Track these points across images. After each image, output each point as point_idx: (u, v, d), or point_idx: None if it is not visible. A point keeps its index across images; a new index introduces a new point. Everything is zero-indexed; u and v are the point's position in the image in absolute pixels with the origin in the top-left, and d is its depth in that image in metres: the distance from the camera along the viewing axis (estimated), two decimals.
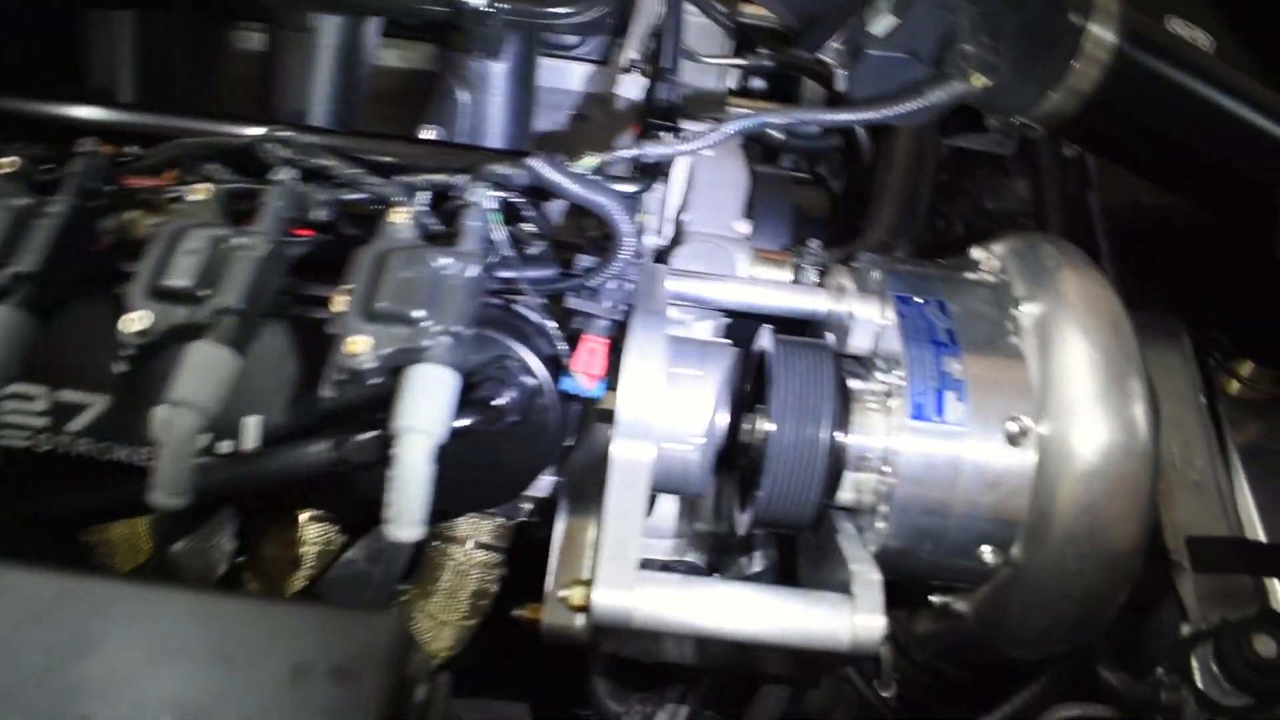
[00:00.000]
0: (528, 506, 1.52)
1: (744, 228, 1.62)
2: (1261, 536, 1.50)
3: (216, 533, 1.55)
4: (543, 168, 1.12)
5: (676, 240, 1.61)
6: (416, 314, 1.08)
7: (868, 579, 1.14)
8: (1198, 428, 1.52)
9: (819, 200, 1.76)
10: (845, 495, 1.23)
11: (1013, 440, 1.15)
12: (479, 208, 1.15)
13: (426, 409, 1.05)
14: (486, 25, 1.20)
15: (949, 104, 1.13)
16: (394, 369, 1.08)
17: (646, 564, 1.50)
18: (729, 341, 1.33)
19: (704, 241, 1.56)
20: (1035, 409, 1.17)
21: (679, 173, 1.70)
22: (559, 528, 1.35)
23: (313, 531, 1.52)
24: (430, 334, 1.07)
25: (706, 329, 1.53)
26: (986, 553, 1.18)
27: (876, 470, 1.20)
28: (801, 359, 1.25)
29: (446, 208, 1.20)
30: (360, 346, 1.06)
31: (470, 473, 1.25)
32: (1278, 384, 1.67)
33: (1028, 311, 1.23)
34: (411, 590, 1.53)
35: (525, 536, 1.53)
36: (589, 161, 1.17)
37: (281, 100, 1.41)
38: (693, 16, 1.82)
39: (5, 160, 1.16)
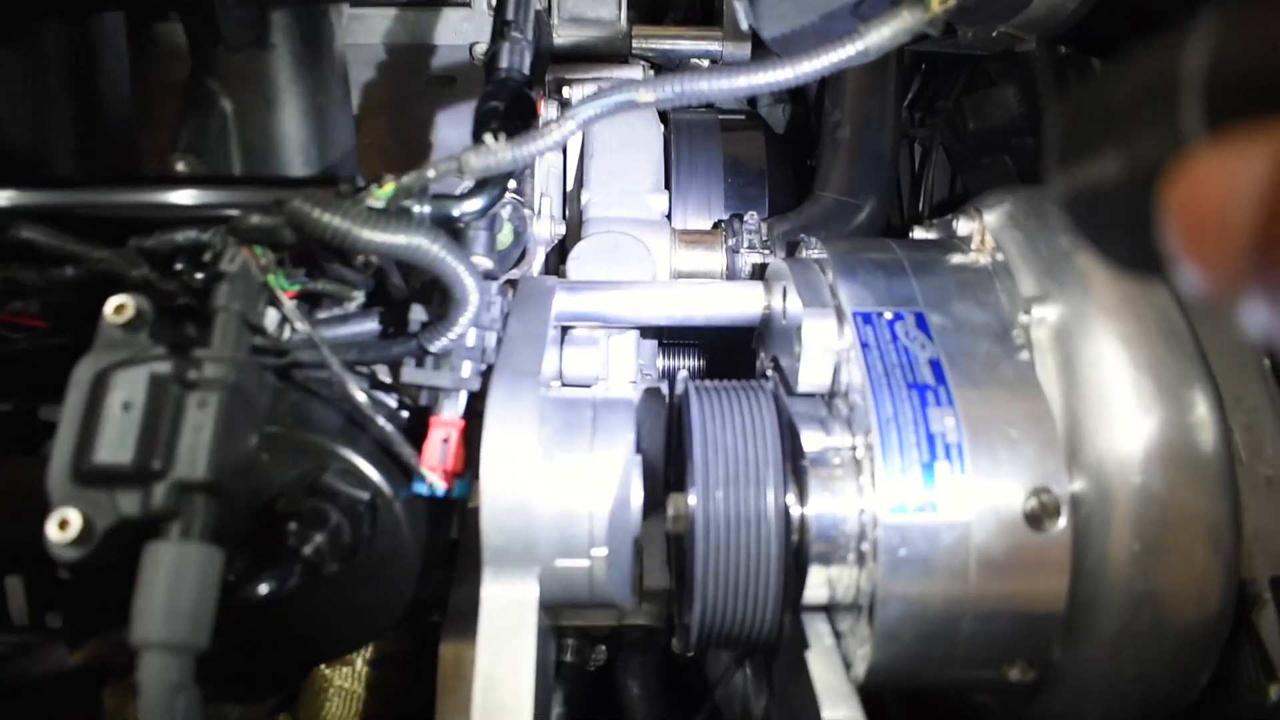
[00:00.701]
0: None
1: (659, 203, 1.26)
2: None
3: None
4: (310, 213, 0.76)
5: (576, 229, 1.25)
6: (149, 466, 0.73)
7: None
8: (1265, 404, 1.13)
9: (756, 146, 1.38)
10: (815, 591, 0.90)
11: (1035, 521, 0.80)
12: (238, 280, 0.80)
13: (172, 612, 0.71)
14: (219, 9, 0.82)
15: (898, 43, 0.76)
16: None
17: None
18: (629, 398, 0.97)
19: (607, 232, 1.20)
20: (1064, 463, 0.82)
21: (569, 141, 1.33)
22: (444, 657, 1.02)
23: None
24: (171, 495, 0.73)
25: (626, 346, 1.18)
26: (1014, 671, 0.85)
27: (852, 560, 0.86)
28: (730, 415, 0.90)
29: (209, 277, 0.83)
30: (69, 530, 0.72)
31: (304, 630, 0.92)
32: None
33: (1042, 316, 0.88)
34: None
35: (431, 640, 1.20)
36: (386, 189, 0.81)
37: (6, 138, 1.03)
38: None
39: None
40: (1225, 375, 1.03)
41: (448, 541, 1.06)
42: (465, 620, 0.93)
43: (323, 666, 1.19)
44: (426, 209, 0.86)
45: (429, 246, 0.80)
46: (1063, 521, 0.81)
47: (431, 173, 0.80)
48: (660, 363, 1.27)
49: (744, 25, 1.01)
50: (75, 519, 0.72)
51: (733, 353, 1.22)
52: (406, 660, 1.22)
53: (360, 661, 1.19)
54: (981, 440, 0.82)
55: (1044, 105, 1.36)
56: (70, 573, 0.76)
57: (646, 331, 1.20)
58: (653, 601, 1.23)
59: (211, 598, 0.73)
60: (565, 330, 1.15)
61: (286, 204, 0.78)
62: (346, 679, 1.18)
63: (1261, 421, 1.14)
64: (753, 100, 1.53)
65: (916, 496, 0.80)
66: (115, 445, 0.74)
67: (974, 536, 0.80)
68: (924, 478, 0.81)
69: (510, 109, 0.94)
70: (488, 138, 0.81)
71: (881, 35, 0.74)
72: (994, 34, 1.05)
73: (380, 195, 0.81)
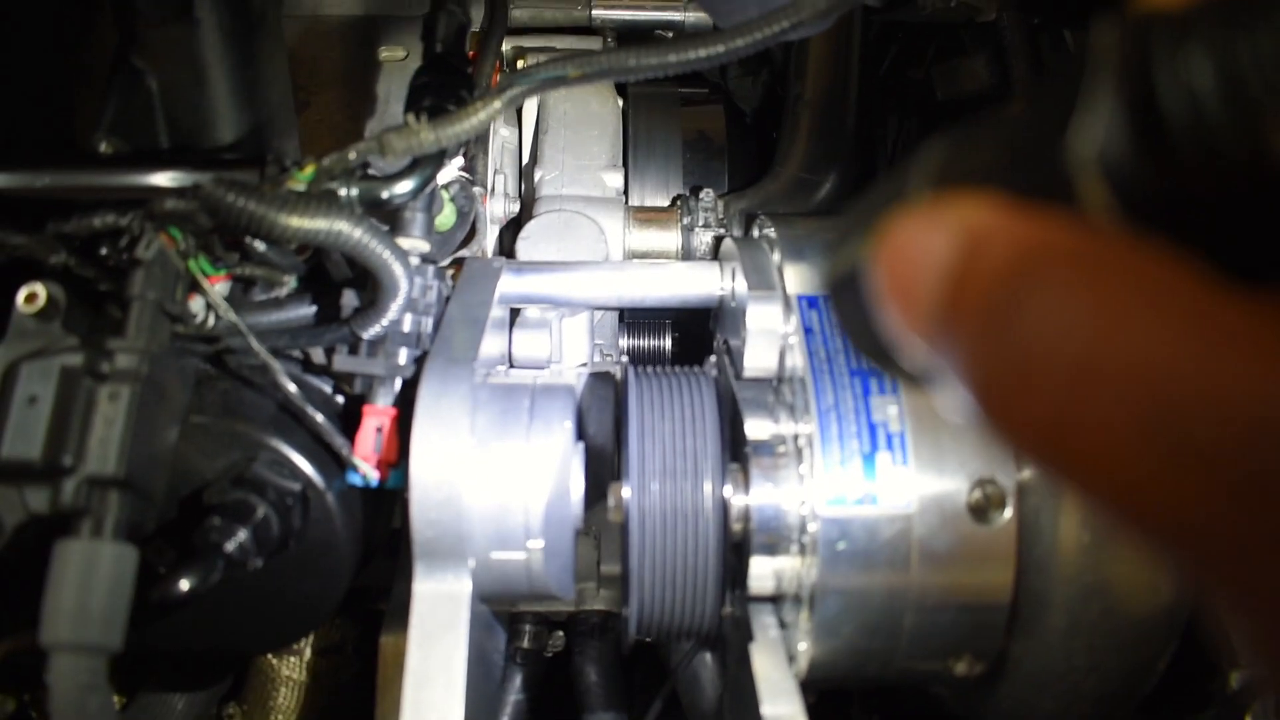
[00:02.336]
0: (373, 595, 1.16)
1: (615, 180, 1.23)
2: None
3: None
4: (225, 198, 0.73)
5: (529, 207, 1.22)
6: (58, 462, 0.71)
7: None
8: None
9: (718, 120, 1.35)
10: (760, 582, 0.87)
11: (979, 513, 0.78)
12: (155, 266, 0.77)
13: (81, 613, 0.68)
14: None
15: (836, 12, 0.73)
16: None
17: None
18: (569, 384, 0.94)
19: (559, 210, 1.17)
20: (1010, 452, 0.80)
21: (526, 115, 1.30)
22: (384, 650, 0.99)
23: None
24: (80, 491, 0.70)
25: (578, 328, 1.15)
26: (959, 664, 0.83)
27: (795, 551, 0.83)
28: (669, 402, 0.88)
29: (128, 263, 0.80)
30: None
31: (237, 620, 0.90)
32: None
33: None
34: (238, 713, 1.19)
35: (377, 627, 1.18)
36: (305, 172, 0.78)
37: None
38: None
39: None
40: None
41: (390, 529, 1.04)
42: (406, 612, 0.90)
43: (270, 656, 1.17)
44: (354, 191, 0.83)
45: (350, 231, 0.77)
46: (1008, 513, 0.78)
47: (352, 154, 0.77)
48: (624, 342, 1.24)
49: None
50: None
51: (700, 331, 1.19)
52: (354, 649, 1.20)
53: (308, 651, 1.17)
54: (925, 430, 0.79)
55: (1015, 75, 1.33)
56: None
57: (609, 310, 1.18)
58: (611, 587, 1.21)
59: (124, 597, 0.71)
60: (516, 312, 1.13)
61: (201, 188, 0.75)
62: (294, 669, 1.16)
63: None
64: (723, 72, 1.49)
65: (856, 488, 0.78)
66: (22, 440, 0.71)
67: (916, 529, 0.78)
68: (864, 469, 0.78)
69: (442, 85, 0.90)
70: (410, 117, 0.77)
71: (817, 6, 0.71)
72: (952, 3, 1.01)
73: (301, 178, 0.78)
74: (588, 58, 0.77)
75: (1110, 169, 0.23)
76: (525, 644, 1.25)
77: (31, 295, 0.76)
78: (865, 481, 0.78)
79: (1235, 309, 0.20)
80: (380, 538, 1.02)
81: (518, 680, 1.25)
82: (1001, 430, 0.23)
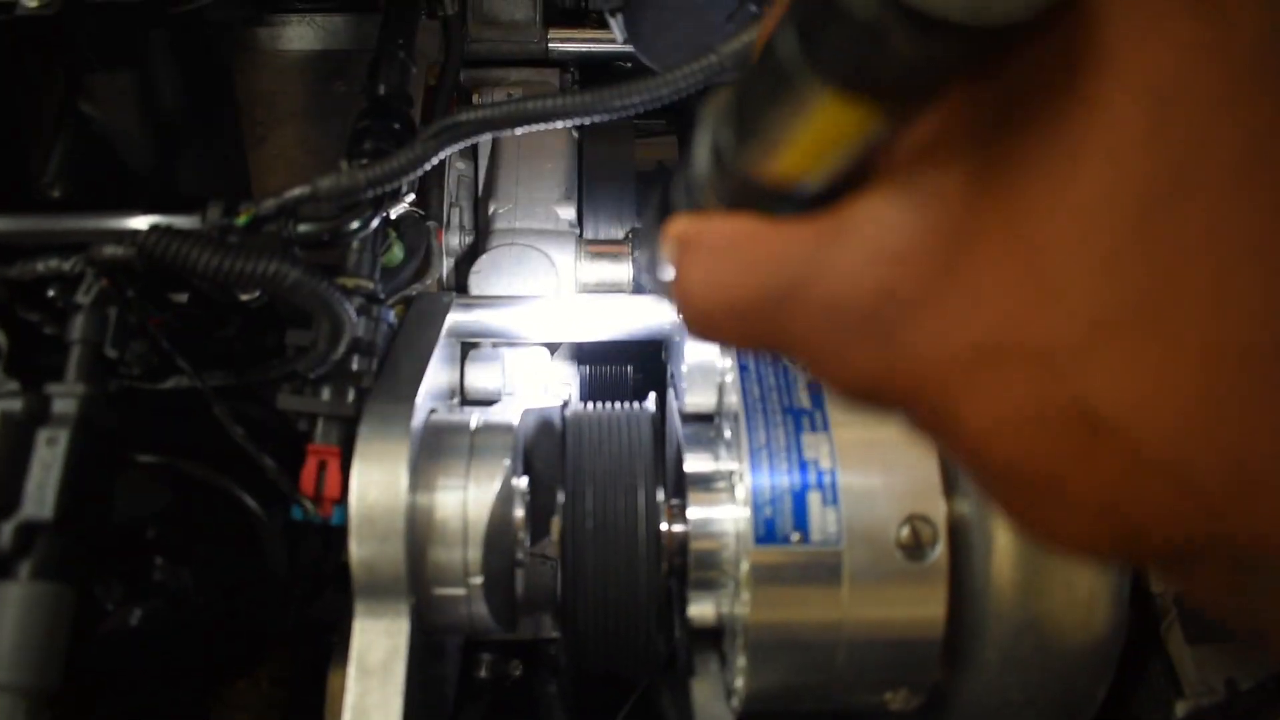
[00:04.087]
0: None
1: (567, 213, 1.24)
2: None
3: None
4: (161, 244, 0.74)
5: (483, 242, 1.23)
6: None
7: None
8: None
9: (673, 152, 1.36)
10: (701, 615, 0.88)
11: (911, 551, 0.79)
12: (93, 311, 0.78)
13: (18, 654, 0.69)
14: (76, 31, 0.80)
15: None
16: None
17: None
18: (510, 422, 0.95)
19: (511, 244, 1.18)
20: (941, 489, 0.81)
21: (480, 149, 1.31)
22: (332, 687, 1.00)
23: None
24: (18, 535, 0.71)
25: (532, 361, 1.16)
26: (895, 699, 0.84)
27: (731, 587, 0.84)
28: (606, 439, 0.89)
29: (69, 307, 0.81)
30: None
31: (181, 655, 0.91)
32: None
33: None
34: None
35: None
36: (242, 218, 0.79)
37: None
38: None
39: None
40: None
41: (339, 565, 1.05)
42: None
43: (229, 687, 1.18)
44: (296, 232, 0.84)
45: (285, 273, 0.78)
46: (939, 549, 0.80)
47: (288, 197, 0.78)
48: (584, 373, 1.25)
49: (619, 39, 0.99)
50: None
51: (658, 366, 1.20)
52: (309, 680, 1.20)
53: (265, 682, 1.17)
54: (856, 467, 0.81)
55: None
56: None
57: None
58: None
59: (62, 636, 0.72)
60: (469, 347, 1.14)
61: (139, 235, 0.76)
62: (251, 699, 1.17)
63: None
64: (683, 104, 1.51)
65: (786, 526, 0.79)
66: None
67: (846, 566, 0.79)
68: (794, 507, 0.79)
69: (383, 130, 0.92)
70: (342, 163, 0.79)
71: (736, 48, 0.72)
72: None
73: (239, 222, 0.79)
74: (517, 104, 0.78)
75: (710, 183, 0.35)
76: (483, 673, 1.25)
77: None
78: (795, 519, 0.79)
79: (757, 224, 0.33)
80: (330, 570, 1.02)
81: (476, 712, 1.26)
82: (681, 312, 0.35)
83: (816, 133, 0.29)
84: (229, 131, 1.03)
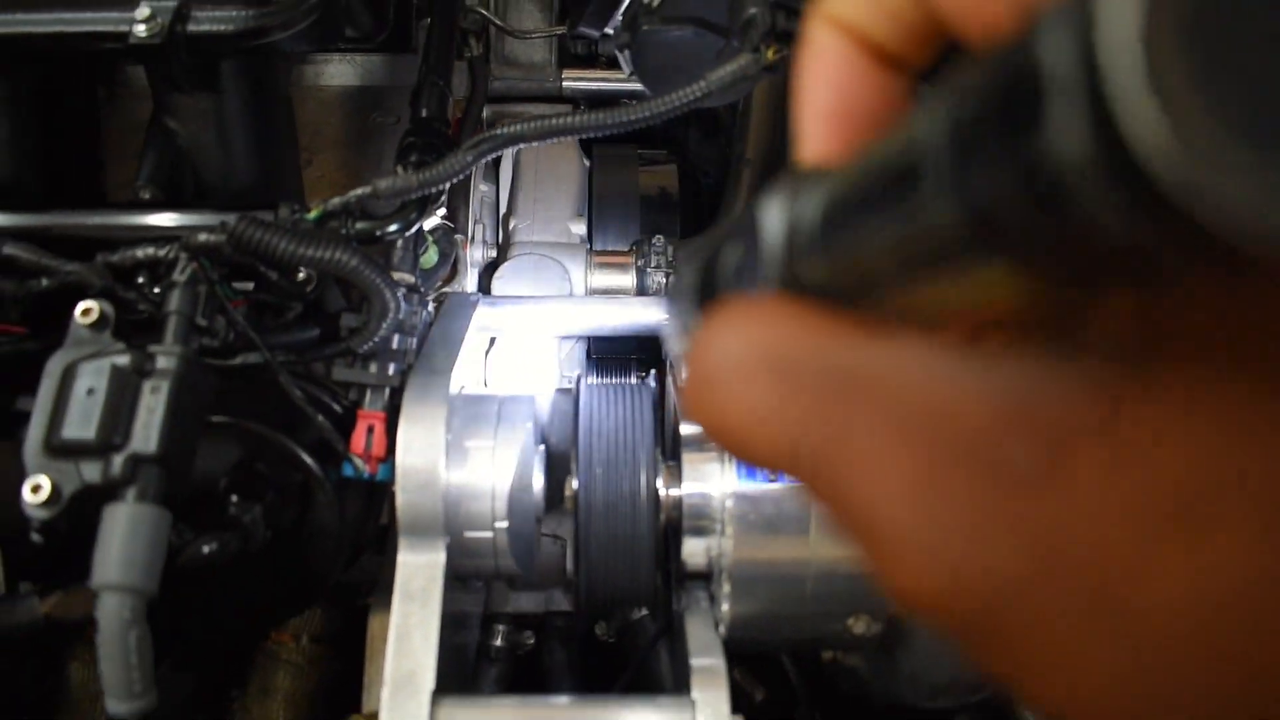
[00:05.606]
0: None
1: (579, 228, 1.41)
2: None
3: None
4: (247, 232, 0.91)
5: (504, 254, 1.40)
6: (109, 442, 0.87)
7: (711, 675, 0.94)
8: None
9: (671, 179, 1.53)
10: (694, 560, 1.03)
11: None
12: (188, 288, 0.94)
13: (127, 561, 0.84)
14: (173, 61, 0.96)
15: (739, 85, 0.91)
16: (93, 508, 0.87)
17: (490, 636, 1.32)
18: (532, 395, 1.11)
19: (530, 253, 1.35)
20: None
21: (504, 171, 1.48)
22: (373, 627, 1.15)
23: None
24: (127, 465, 0.86)
25: (547, 356, 1.32)
26: (857, 624, 0.99)
27: (719, 531, 0.99)
28: (613, 406, 1.04)
29: (164, 287, 0.98)
30: (41, 493, 0.85)
31: (242, 593, 1.05)
32: None
33: None
34: (246, 695, 1.34)
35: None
36: (313, 212, 0.95)
37: None
38: None
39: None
40: None
41: (379, 527, 1.20)
42: (390, 593, 1.06)
43: (271, 643, 1.32)
44: (354, 229, 1.00)
45: (347, 260, 0.94)
46: None
47: (352, 197, 0.94)
48: (592, 377, 1.40)
49: (626, 72, 1.16)
50: (46, 484, 0.85)
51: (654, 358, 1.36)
52: (343, 640, 1.35)
53: (305, 638, 1.32)
54: None
55: None
56: (40, 533, 0.89)
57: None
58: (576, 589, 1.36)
59: (161, 552, 0.86)
60: (493, 340, 1.30)
61: (230, 223, 0.92)
62: (292, 654, 1.31)
63: None
64: (683, 140, 1.69)
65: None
66: (80, 424, 0.87)
67: (812, 502, 0.94)
68: None
69: (426, 144, 1.09)
70: (398, 168, 0.95)
71: (721, 77, 0.89)
72: None
73: (310, 218, 0.96)
74: (541, 120, 0.95)
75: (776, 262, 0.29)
76: (499, 642, 1.40)
77: (87, 310, 0.92)
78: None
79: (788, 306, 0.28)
80: (370, 533, 1.17)
81: (492, 675, 1.40)
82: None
83: (939, 285, 0.22)
84: (288, 151, 1.20)
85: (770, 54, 0.90)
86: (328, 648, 1.33)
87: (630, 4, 1.03)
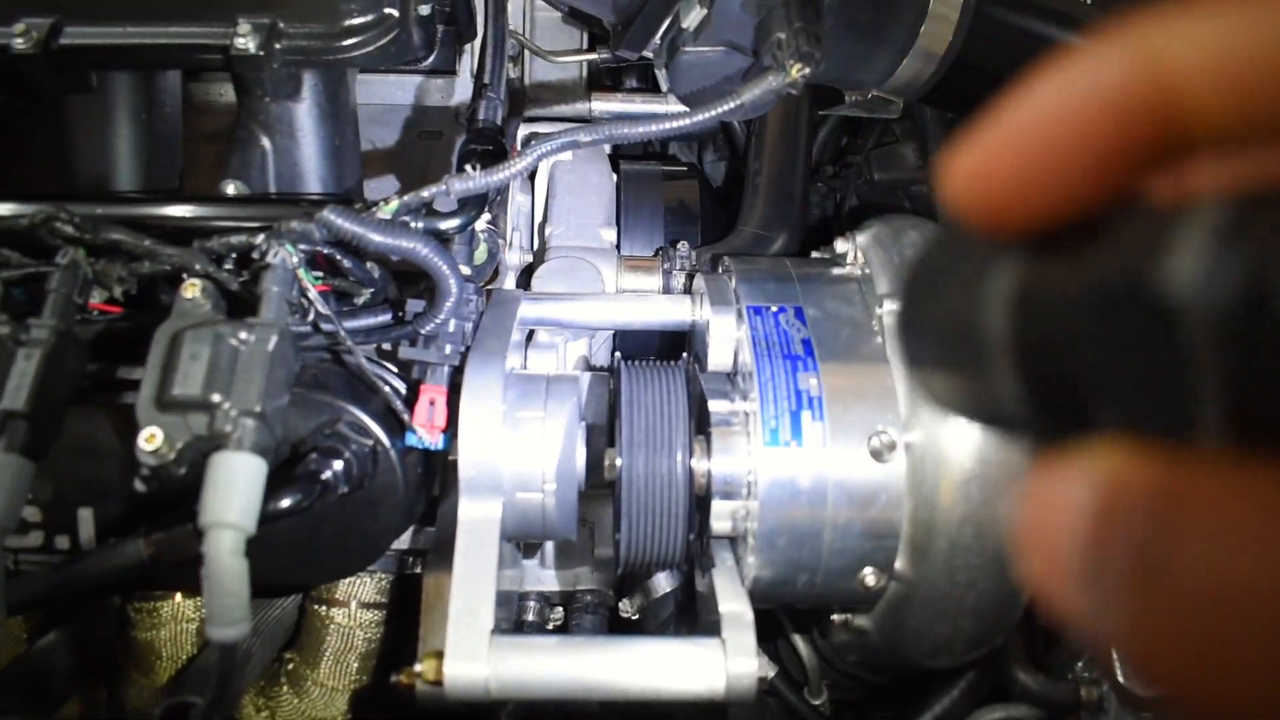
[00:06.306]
0: (410, 559, 1.44)
1: (610, 235, 1.54)
2: None
3: (97, 620, 1.47)
4: (336, 220, 1.03)
5: (540, 256, 1.53)
6: (213, 398, 0.99)
7: (739, 620, 1.06)
8: None
9: (692, 192, 1.66)
10: (720, 524, 1.15)
11: (877, 455, 1.07)
12: (280, 269, 1.06)
13: (230, 501, 0.96)
14: (266, 70, 1.09)
15: (767, 100, 1.04)
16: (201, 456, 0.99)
17: (523, 615, 1.43)
18: (576, 377, 1.24)
19: (566, 257, 1.48)
20: (901, 417, 1.09)
21: (539, 182, 1.61)
22: (427, 584, 1.27)
23: (191, 609, 1.43)
24: (230, 419, 0.98)
25: (580, 349, 1.45)
26: (868, 576, 1.10)
27: (745, 495, 1.11)
28: (650, 384, 1.16)
29: (255, 270, 1.10)
30: (154, 441, 0.97)
31: (313, 546, 1.17)
32: None
33: (891, 309, 1.15)
34: (296, 658, 1.45)
35: (411, 589, 1.45)
36: (391, 205, 1.08)
37: (78, 169, 1.30)
38: (544, 12, 1.73)
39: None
40: None
41: (430, 499, 1.31)
42: (442, 555, 1.18)
43: (322, 609, 1.44)
44: (421, 223, 1.13)
45: (423, 249, 1.07)
46: (899, 454, 1.07)
47: (426, 193, 1.07)
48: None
49: (664, 87, 1.29)
50: (159, 434, 0.97)
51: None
52: (391, 608, 1.47)
53: (354, 604, 1.43)
54: (837, 396, 1.09)
55: (933, 160, 1.66)
56: (148, 481, 1.01)
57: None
58: (602, 569, 1.49)
59: (258, 495, 0.98)
60: (531, 333, 1.42)
61: (318, 213, 1.05)
62: (343, 618, 1.42)
63: None
64: (700, 157, 1.82)
65: (785, 435, 1.07)
66: (187, 383, 0.99)
67: (830, 468, 1.07)
68: (791, 423, 1.07)
69: (486, 150, 1.22)
70: (468, 168, 1.08)
71: (752, 93, 1.02)
72: (868, 98, 1.33)
73: (387, 210, 1.08)
74: (593, 128, 1.08)
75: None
76: (529, 618, 1.51)
77: (191, 285, 1.05)
78: (792, 431, 1.07)
79: None
80: (424, 504, 1.29)
81: None
82: (1149, 676, 0.22)
83: None
84: (355, 156, 1.33)
85: (794, 72, 1.03)
86: (377, 614, 1.44)
87: (668, 28, 1.16)
